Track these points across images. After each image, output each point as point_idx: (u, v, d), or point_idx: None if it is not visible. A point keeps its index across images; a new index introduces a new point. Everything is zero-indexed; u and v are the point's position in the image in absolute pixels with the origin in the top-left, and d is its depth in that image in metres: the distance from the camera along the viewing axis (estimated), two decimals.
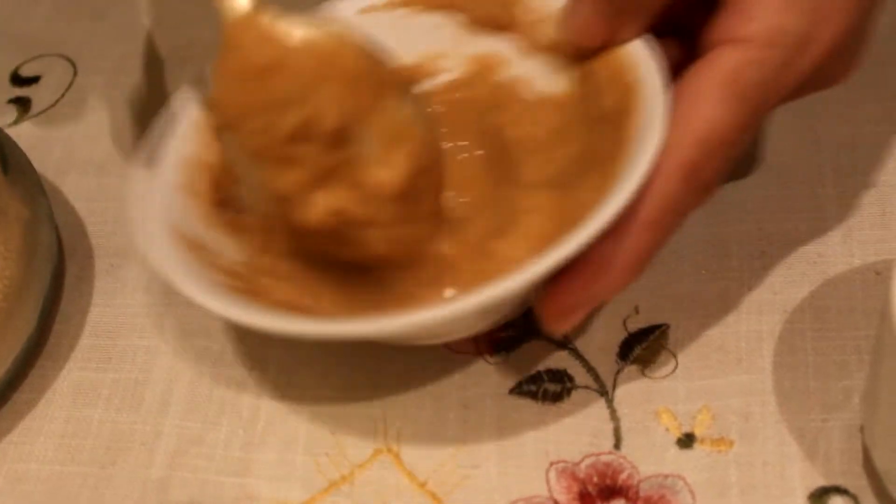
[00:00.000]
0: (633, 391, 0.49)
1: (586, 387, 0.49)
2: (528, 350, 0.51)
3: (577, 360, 0.50)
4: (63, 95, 0.65)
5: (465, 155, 0.51)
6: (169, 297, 0.55)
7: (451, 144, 0.51)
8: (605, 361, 0.50)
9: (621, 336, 0.51)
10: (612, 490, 0.46)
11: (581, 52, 0.48)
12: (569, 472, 0.47)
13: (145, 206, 0.47)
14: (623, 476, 0.47)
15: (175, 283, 0.44)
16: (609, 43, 0.47)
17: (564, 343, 0.51)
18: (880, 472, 0.44)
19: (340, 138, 0.44)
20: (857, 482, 0.45)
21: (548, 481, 0.47)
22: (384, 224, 0.46)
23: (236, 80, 0.44)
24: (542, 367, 0.50)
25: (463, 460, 0.48)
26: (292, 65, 0.43)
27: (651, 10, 0.46)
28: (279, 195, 0.45)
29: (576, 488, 0.47)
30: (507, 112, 0.52)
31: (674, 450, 0.47)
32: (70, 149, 0.62)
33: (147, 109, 0.63)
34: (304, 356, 0.52)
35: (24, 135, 0.60)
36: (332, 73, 0.44)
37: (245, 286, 0.47)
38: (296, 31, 0.44)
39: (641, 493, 0.46)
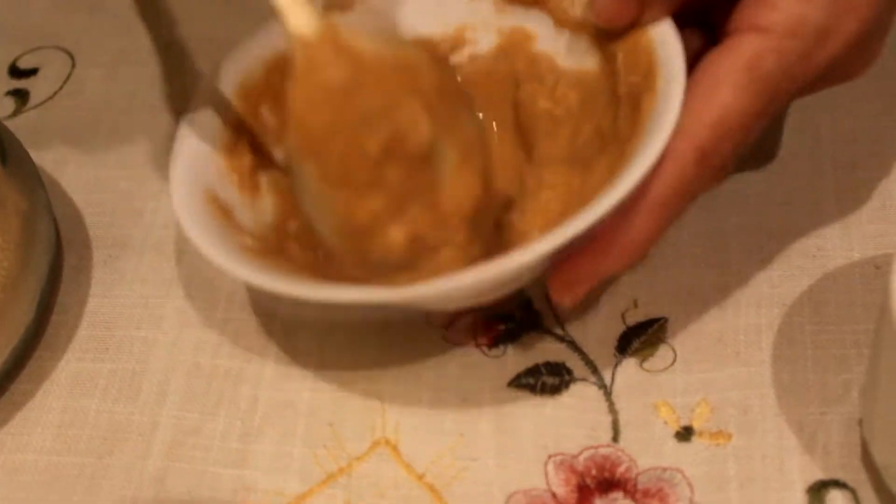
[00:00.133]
0: (631, 384, 0.49)
1: (585, 380, 0.49)
2: (527, 343, 0.51)
3: (575, 353, 0.50)
4: (61, 87, 0.65)
5: (494, 126, 0.52)
6: (166, 288, 0.55)
7: (480, 115, 0.52)
8: (603, 354, 0.50)
9: (620, 329, 0.51)
10: (611, 483, 0.46)
11: (605, 32, 0.49)
12: (567, 465, 0.47)
13: (182, 167, 0.48)
14: (621, 469, 0.47)
15: (200, 247, 0.45)
16: (633, 25, 0.47)
17: (563, 336, 0.51)
18: (879, 465, 0.44)
19: (426, 156, 0.43)
20: (856, 475, 0.45)
21: (546, 474, 0.47)
22: (458, 245, 0.44)
23: (318, 101, 0.42)
24: (540, 359, 0.50)
25: (461, 453, 0.48)
26: (373, 81, 0.42)
27: None
28: (355, 226, 0.43)
29: (574, 481, 0.47)
30: (532, 87, 0.52)
31: (672, 443, 0.47)
32: (68, 141, 0.62)
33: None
34: (303, 348, 0.52)
35: (23, 127, 0.60)
36: (414, 87, 0.43)
37: (271, 249, 0.47)
38: (369, 46, 0.42)
39: (639, 486, 0.46)
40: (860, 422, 0.46)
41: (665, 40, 0.46)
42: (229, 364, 0.52)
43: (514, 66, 0.53)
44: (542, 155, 0.51)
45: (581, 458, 0.47)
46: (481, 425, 0.49)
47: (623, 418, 0.48)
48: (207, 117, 0.50)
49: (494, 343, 0.51)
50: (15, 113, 0.64)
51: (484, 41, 0.54)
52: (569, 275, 0.44)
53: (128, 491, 0.49)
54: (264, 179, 0.51)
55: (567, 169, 0.49)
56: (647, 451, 0.47)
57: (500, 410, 0.49)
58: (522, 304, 0.52)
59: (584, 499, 0.46)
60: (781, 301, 0.50)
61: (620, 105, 0.48)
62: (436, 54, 0.44)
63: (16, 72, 0.66)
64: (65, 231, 0.57)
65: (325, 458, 0.48)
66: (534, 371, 0.50)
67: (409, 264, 0.44)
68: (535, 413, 0.49)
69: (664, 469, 0.46)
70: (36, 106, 0.64)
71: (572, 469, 0.47)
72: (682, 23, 0.47)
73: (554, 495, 0.46)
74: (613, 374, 0.49)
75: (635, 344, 0.50)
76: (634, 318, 0.51)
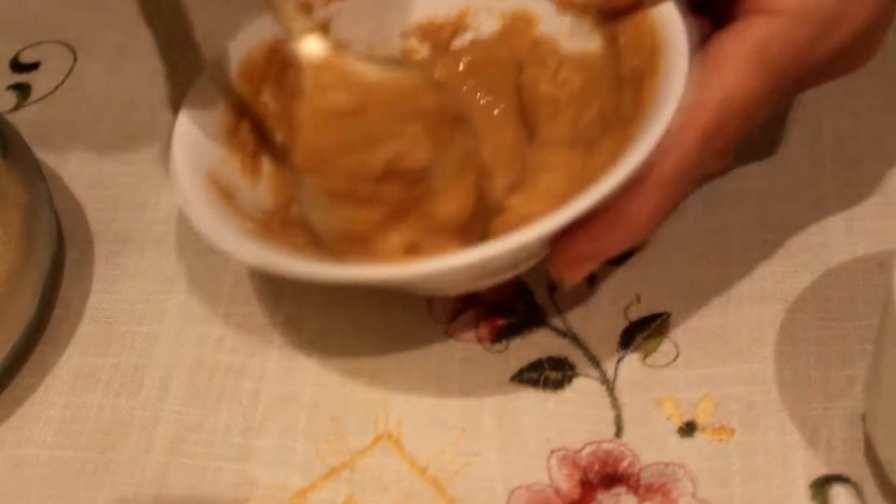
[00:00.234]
0: (634, 379, 0.49)
1: (587, 375, 0.49)
2: (530, 338, 0.51)
3: (578, 348, 0.50)
4: (63, 82, 0.65)
5: (496, 111, 0.52)
6: (168, 282, 0.55)
7: (482, 99, 0.52)
8: (606, 350, 0.50)
9: (622, 324, 0.51)
10: (614, 478, 0.46)
11: (608, 15, 0.49)
12: (570, 460, 0.47)
13: (184, 152, 0.48)
14: (624, 464, 0.47)
15: (204, 231, 0.45)
16: (635, 7, 0.47)
17: (565, 331, 0.51)
18: (882, 460, 0.44)
19: (424, 174, 0.45)
20: (859, 471, 0.45)
21: (549, 469, 0.47)
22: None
23: (325, 123, 0.44)
24: (543, 354, 0.50)
25: (464, 447, 0.48)
26: (377, 104, 0.44)
27: None
28: (355, 234, 0.46)
29: (577, 476, 0.47)
30: (535, 71, 0.52)
31: (675, 438, 0.47)
32: (69, 135, 0.62)
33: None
34: (305, 342, 0.52)
35: (24, 121, 0.60)
36: (415, 110, 0.45)
37: (273, 233, 0.47)
38: (374, 70, 0.45)
39: (643, 482, 0.46)
40: (863, 417, 0.46)
41: (668, 22, 0.46)
42: (231, 359, 0.52)
43: (517, 50, 0.53)
44: (544, 138, 0.51)
45: (584, 453, 0.47)
46: (484, 420, 0.49)
47: (626, 413, 0.48)
48: (208, 101, 0.50)
49: (497, 338, 0.51)
50: (17, 107, 0.64)
51: (486, 25, 0.54)
52: (571, 253, 0.44)
53: (130, 486, 0.49)
54: (266, 164, 0.51)
55: (569, 151, 0.49)
56: (650, 446, 0.47)
57: (502, 405, 0.49)
58: (525, 299, 0.52)
59: (587, 494, 0.46)
60: (784, 297, 0.50)
61: (624, 87, 0.48)
62: (438, 80, 0.46)
63: (17, 66, 0.66)
64: (66, 225, 0.57)
65: (327, 452, 0.48)
66: (536, 366, 0.50)
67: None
68: (537, 408, 0.49)
69: (667, 464, 0.46)
70: (37, 100, 0.64)
71: (575, 464, 0.47)
72: (687, 9, 0.47)
73: (557, 490, 0.46)
74: (616, 370, 0.49)
75: (638, 339, 0.50)
76: (637, 313, 0.51)
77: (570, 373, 0.49)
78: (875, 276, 0.50)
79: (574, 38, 0.51)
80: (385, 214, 0.45)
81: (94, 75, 0.65)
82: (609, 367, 0.49)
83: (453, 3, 0.54)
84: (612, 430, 0.48)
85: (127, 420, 0.51)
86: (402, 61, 0.47)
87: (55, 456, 0.50)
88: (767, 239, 0.52)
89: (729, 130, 0.43)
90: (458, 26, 0.54)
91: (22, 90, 0.65)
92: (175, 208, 0.57)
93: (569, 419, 0.48)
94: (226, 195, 0.48)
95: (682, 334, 0.50)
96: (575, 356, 0.50)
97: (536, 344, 0.50)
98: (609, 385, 0.49)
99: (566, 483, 0.46)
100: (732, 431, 0.47)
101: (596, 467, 0.47)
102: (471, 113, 0.51)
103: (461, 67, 0.54)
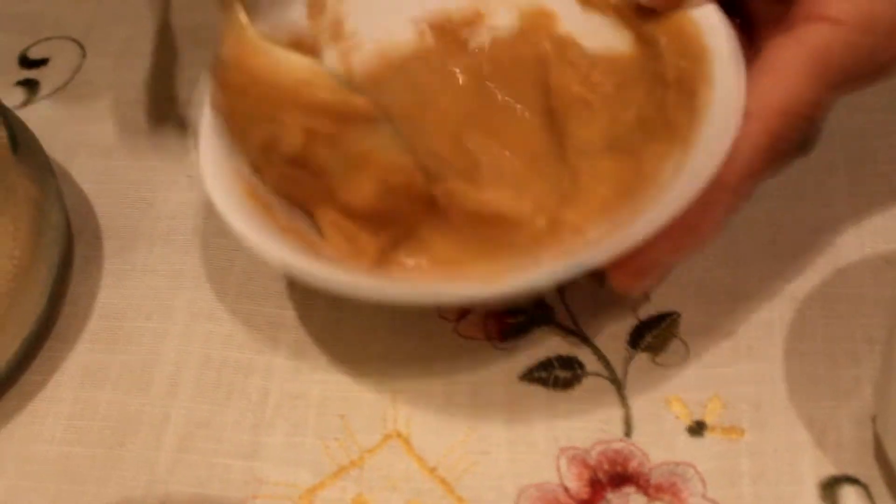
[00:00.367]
0: (643, 379, 0.49)
1: (597, 374, 0.49)
2: (539, 336, 0.51)
3: (587, 348, 0.50)
4: (72, 78, 0.65)
5: (525, 114, 0.52)
6: (177, 279, 0.55)
7: (509, 101, 0.52)
8: (615, 349, 0.50)
9: (632, 324, 0.51)
10: (623, 477, 0.46)
11: (640, 15, 0.49)
12: (579, 459, 0.47)
13: (216, 163, 0.48)
14: (634, 463, 0.47)
15: (256, 245, 0.45)
16: (677, 5, 0.47)
17: (575, 330, 0.51)
18: (892, 461, 0.44)
19: (301, 160, 0.46)
20: (869, 471, 0.45)
21: (558, 468, 0.47)
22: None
23: (226, 90, 0.47)
24: (552, 353, 0.50)
25: (473, 446, 0.48)
26: (264, 88, 0.46)
27: None
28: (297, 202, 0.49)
29: (586, 475, 0.47)
30: (564, 72, 0.52)
31: (684, 437, 0.47)
32: (78, 131, 0.62)
33: (159, 90, 0.63)
34: (314, 340, 0.52)
35: (33, 117, 0.60)
36: (299, 101, 0.46)
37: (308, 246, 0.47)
38: (279, 56, 0.46)
39: (652, 481, 0.46)
40: (873, 417, 0.46)
41: (713, 25, 0.46)
42: (240, 355, 0.52)
43: (541, 49, 0.53)
44: (583, 142, 0.50)
45: (593, 452, 0.47)
46: (493, 419, 0.49)
47: (635, 413, 0.48)
48: None
49: (506, 337, 0.51)
50: (25, 103, 0.64)
51: (502, 19, 0.53)
52: (635, 265, 0.44)
53: (138, 482, 0.49)
54: None
55: (613, 157, 0.48)
56: (659, 445, 0.47)
57: (511, 404, 0.49)
58: (534, 298, 0.52)
59: (597, 493, 0.46)
60: (793, 296, 0.50)
61: (668, 90, 0.47)
62: (341, 80, 0.47)
63: (26, 62, 0.66)
64: (75, 221, 0.57)
65: (336, 450, 0.48)
66: (546, 365, 0.50)
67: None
68: (547, 407, 0.49)
69: (677, 464, 0.46)
70: (46, 96, 0.64)
71: (584, 463, 0.47)
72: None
73: (566, 489, 0.46)
74: (626, 369, 0.49)
75: (647, 338, 0.50)
76: (647, 312, 0.51)
77: (579, 372, 0.49)
78: (884, 274, 0.50)
79: (598, 37, 0.51)
80: (308, 195, 0.47)
81: (102, 71, 0.65)
82: (618, 366, 0.49)
83: (463, 2, 0.53)
84: (621, 430, 0.48)
85: (136, 416, 0.51)
86: (310, 56, 0.48)
87: (64, 452, 0.50)
88: (776, 238, 0.52)
89: (791, 136, 0.44)
90: (472, 18, 0.53)
91: (31, 86, 0.64)
92: (184, 204, 0.57)
93: (578, 418, 0.48)
94: (264, 206, 0.47)
95: (691, 333, 0.50)
96: (584, 355, 0.50)
97: (545, 343, 0.50)
98: (618, 384, 0.49)
99: (575, 482, 0.46)
100: (742, 431, 0.47)
101: (605, 466, 0.47)
102: (491, 116, 0.50)
103: (483, 68, 0.53)
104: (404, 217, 0.48)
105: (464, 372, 0.50)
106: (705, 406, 0.48)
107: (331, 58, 0.53)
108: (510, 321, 0.51)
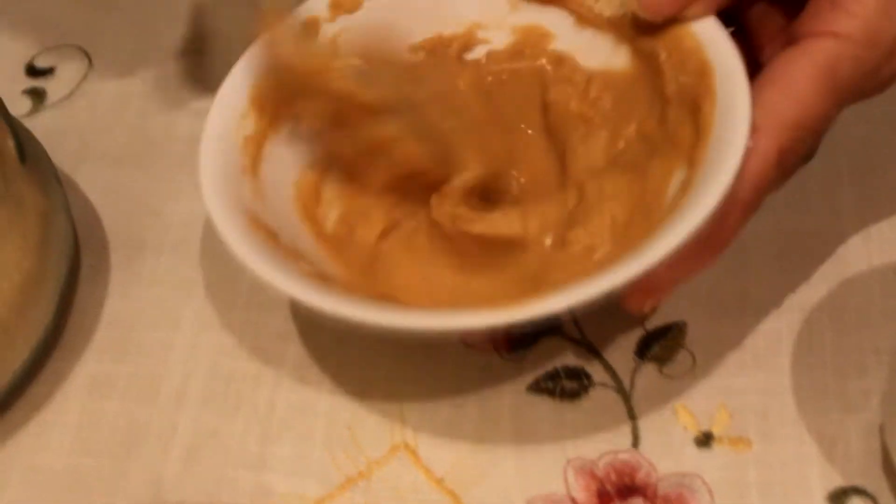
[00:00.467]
0: (650, 389, 0.49)
1: (604, 384, 0.49)
2: (546, 347, 0.51)
3: (594, 358, 0.50)
4: (78, 86, 0.65)
5: (529, 132, 0.52)
6: (185, 289, 0.55)
7: (511, 117, 0.52)
8: (622, 359, 0.50)
9: (639, 334, 0.51)
10: (631, 488, 0.46)
11: (638, 31, 0.49)
12: (587, 470, 0.47)
13: (216, 189, 0.47)
14: (641, 474, 0.47)
15: (264, 275, 0.44)
16: (678, 18, 0.47)
17: (582, 341, 0.51)
18: None
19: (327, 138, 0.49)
20: (877, 483, 0.45)
21: (566, 479, 0.47)
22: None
23: (267, 65, 0.49)
24: (559, 364, 0.50)
25: (480, 457, 0.48)
26: (294, 71, 0.47)
27: None
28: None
29: (594, 486, 0.47)
30: (562, 89, 0.52)
31: (692, 448, 0.47)
32: (85, 140, 0.62)
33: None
34: (322, 351, 0.52)
35: (39, 126, 0.60)
36: (320, 88, 0.47)
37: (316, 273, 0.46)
38: (306, 45, 0.48)
39: (660, 492, 0.46)
40: (881, 428, 0.46)
41: (714, 39, 0.46)
42: (248, 366, 0.52)
43: (537, 66, 0.53)
44: (587, 159, 0.50)
45: (601, 463, 0.47)
46: (500, 430, 0.49)
47: (643, 424, 0.48)
48: (226, 135, 0.49)
49: (513, 347, 0.51)
50: (32, 112, 0.64)
51: (497, 40, 0.53)
52: (653, 283, 0.44)
53: (146, 493, 0.49)
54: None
55: (619, 175, 0.48)
56: (666, 456, 0.47)
57: (519, 415, 0.49)
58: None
59: None
60: (801, 307, 0.50)
61: (669, 106, 0.47)
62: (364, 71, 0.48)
63: (33, 70, 0.66)
64: (82, 232, 0.57)
65: (344, 461, 0.48)
66: (553, 376, 0.50)
67: None
68: (554, 418, 0.49)
69: (684, 475, 0.46)
70: (53, 105, 0.64)
71: (592, 474, 0.47)
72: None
73: (573, 500, 0.46)
74: (633, 379, 0.49)
75: (655, 349, 0.50)
76: (654, 323, 0.51)
77: (586, 382, 0.49)
78: (891, 285, 0.50)
79: (594, 54, 0.51)
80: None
81: (109, 80, 0.65)
82: (626, 376, 0.49)
83: (462, 18, 0.53)
84: (628, 441, 0.48)
85: (143, 427, 0.51)
86: (334, 48, 0.51)
87: (72, 463, 0.50)
88: (783, 249, 0.52)
89: (800, 150, 0.44)
90: (467, 41, 0.53)
91: (37, 95, 0.65)
92: (190, 214, 0.57)
93: (585, 429, 0.48)
94: (267, 233, 0.46)
95: (698, 344, 0.50)
96: (591, 366, 0.50)
97: (553, 353, 0.50)
98: (625, 395, 0.49)
99: (583, 493, 0.46)
100: (749, 442, 0.47)
101: (613, 478, 0.47)
102: (489, 132, 0.51)
103: (483, 84, 0.53)
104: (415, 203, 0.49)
105: (471, 383, 0.50)
106: (713, 417, 0.48)
107: None
108: (517, 333, 0.51)
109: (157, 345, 0.53)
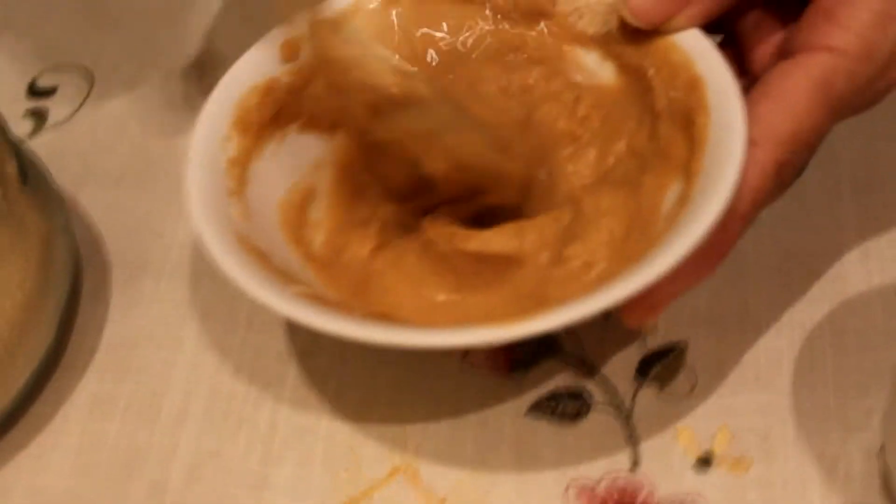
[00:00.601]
0: (651, 410, 0.49)
1: (605, 405, 0.49)
2: (546, 368, 0.51)
3: (595, 380, 0.50)
4: (80, 107, 0.65)
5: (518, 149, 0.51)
6: (186, 309, 0.55)
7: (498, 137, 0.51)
8: (623, 380, 0.50)
9: (640, 355, 0.51)
10: None
11: (625, 47, 0.49)
12: (587, 492, 0.47)
13: (208, 218, 0.46)
14: (642, 496, 0.47)
15: (260, 297, 0.43)
16: (664, 30, 0.47)
17: (583, 361, 0.51)
18: None
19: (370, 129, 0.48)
20: None
21: (566, 501, 0.47)
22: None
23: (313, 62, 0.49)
24: (560, 385, 0.50)
25: (481, 479, 0.48)
26: (335, 68, 0.47)
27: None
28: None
29: None
30: (552, 105, 0.52)
31: (692, 469, 0.47)
32: (87, 161, 0.62)
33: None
34: (322, 371, 0.52)
35: (41, 147, 0.60)
36: (364, 83, 0.46)
37: (317, 294, 0.46)
38: (345, 42, 0.47)
39: None
40: (881, 449, 0.46)
41: (702, 51, 0.46)
42: (249, 387, 0.52)
43: (524, 85, 0.53)
44: (579, 176, 0.50)
45: (601, 484, 0.47)
46: (501, 451, 0.49)
47: (643, 445, 0.48)
48: (211, 158, 0.49)
49: (514, 368, 0.51)
50: (34, 132, 0.64)
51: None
52: (652, 298, 0.44)
53: None
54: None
55: (613, 191, 0.48)
56: (667, 477, 0.47)
57: (519, 436, 0.49)
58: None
59: None
60: (801, 326, 0.50)
61: (659, 121, 0.47)
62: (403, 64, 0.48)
63: (35, 91, 0.66)
64: (84, 252, 0.57)
65: (345, 482, 0.48)
66: (553, 396, 0.50)
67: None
68: (554, 439, 0.49)
69: (685, 496, 0.46)
70: (54, 126, 0.64)
71: (592, 495, 0.47)
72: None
73: None
74: (633, 400, 0.49)
75: (655, 369, 0.50)
76: (654, 343, 0.51)
77: (587, 403, 0.49)
78: (892, 306, 0.50)
79: (582, 71, 0.51)
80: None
81: (110, 100, 0.65)
82: (626, 397, 0.49)
83: (438, 42, 0.53)
84: (629, 462, 0.48)
85: (144, 448, 0.51)
86: (372, 44, 0.50)
87: (72, 485, 0.50)
88: (784, 268, 0.52)
89: (796, 163, 0.44)
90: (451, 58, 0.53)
91: (39, 115, 0.65)
92: (192, 235, 0.57)
93: (586, 451, 0.48)
94: (258, 255, 0.46)
95: (699, 364, 0.50)
96: (592, 387, 0.50)
97: (553, 375, 0.50)
98: (626, 416, 0.49)
99: None
100: (750, 463, 0.47)
101: (614, 499, 0.47)
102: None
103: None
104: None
105: (471, 404, 0.50)
106: (713, 437, 0.48)
107: None
108: (518, 353, 0.51)
109: (158, 365, 0.53)
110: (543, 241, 0.47)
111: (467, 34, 0.53)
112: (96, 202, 0.60)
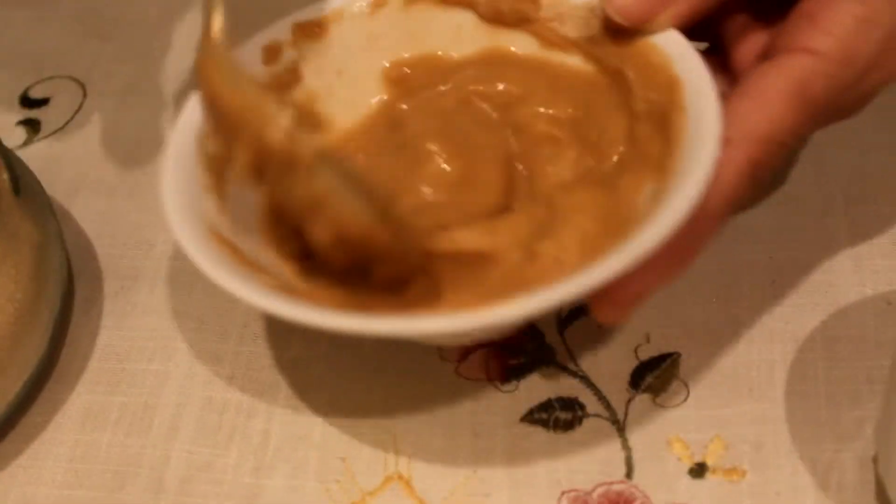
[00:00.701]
0: (644, 420, 0.49)
1: (598, 415, 0.49)
2: (540, 378, 0.51)
3: (588, 389, 0.50)
4: (72, 118, 0.65)
5: (492, 149, 0.51)
6: (178, 320, 0.55)
7: (479, 138, 0.51)
8: (616, 390, 0.50)
9: (633, 364, 0.51)
10: None
11: (604, 50, 0.49)
12: (581, 501, 0.47)
13: (181, 209, 0.46)
14: None
15: (233, 289, 0.43)
16: (650, 24, 0.47)
17: (576, 371, 0.51)
18: (893, 502, 0.44)
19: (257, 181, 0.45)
20: None
21: None
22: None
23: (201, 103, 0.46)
24: (553, 394, 0.50)
25: (474, 488, 0.48)
26: (223, 107, 0.45)
27: None
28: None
29: None
30: (531, 108, 0.52)
31: (686, 479, 0.47)
32: (79, 171, 0.62)
33: None
34: (315, 382, 0.52)
35: (34, 157, 0.60)
36: (248, 132, 0.44)
37: (290, 286, 0.46)
38: (239, 80, 0.45)
39: None
40: (874, 459, 0.46)
41: (681, 53, 0.46)
42: (241, 398, 0.52)
43: (502, 88, 0.53)
44: (557, 175, 0.50)
45: (595, 494, 0.47)
46: (494, 461, 0.49)
47: (637, 454, 0.48)
48: (189, 154, 0.48)
49: (507, 378, 0.51)
50: (26, 143, 0.64)
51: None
52: (618, 296, 0.44)
53: None
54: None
55: (590, 189, 0.48)
56: (660, 487, 0.47)
57: (513, 446, 0.49)
58: (535, 338, 0.52)
59: None
60: (794, 336, 0.50)
61: (638, 122, 0.47)
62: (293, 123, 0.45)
63: (27, 101, 0.66)
64: (76, 262, 0.57)
65: (337, 492, 0.48)
66: (546, 406, 0.50)
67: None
68: (548, 448, 0.49)
69: None
70: (47, 136, 0.64)
71: None
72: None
73: None
74: (626, 410, 0.49)
75: (648, 379, 0.50)
76: (647, 353, 0.51)
77: (580, 413, 0.49)
78: (885, 315, 0.50)
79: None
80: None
81: (103, 111, 0.65)
82: (619, 407, 0.49)
83: (430, 43, 0.53)
84: (622, 471, 0.48)
85: (137, 459, 0.50)
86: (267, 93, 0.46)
87: (64, 495, 0.50)
88: (776, 278, 0.52)
89: (770, 164, 0.44)
90: (428, 63, 0.53)
91: (32, 126, 0.65)
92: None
93: (579, 460, 0.48)
94: (231, 249, 0.46)
95: (692, 374, 0.50)
96: (585, 396, 0.50)
97: (546, 384, 0.50)
98: (619, 425, 0.49)
99: None
100: (743, 472, 0.47)
101: None
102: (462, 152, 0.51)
103: (446, 104, 0.53)
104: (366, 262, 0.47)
105: (465, 413, 0.50)
106: (706, 447, 0.48)
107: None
108: (511, 362, 0.51)
109: (150, 375, 0.53)
110: (516, 239, 0.47)
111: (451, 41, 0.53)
112: (89, 212, 0.60)
